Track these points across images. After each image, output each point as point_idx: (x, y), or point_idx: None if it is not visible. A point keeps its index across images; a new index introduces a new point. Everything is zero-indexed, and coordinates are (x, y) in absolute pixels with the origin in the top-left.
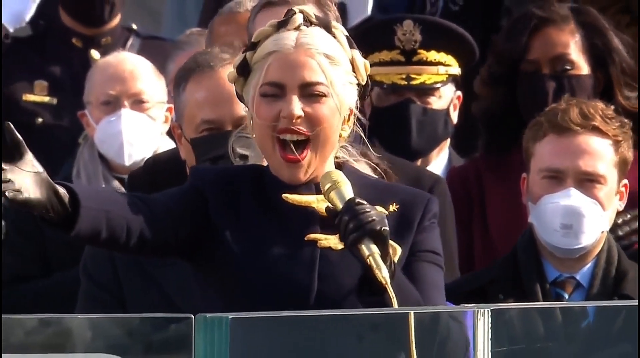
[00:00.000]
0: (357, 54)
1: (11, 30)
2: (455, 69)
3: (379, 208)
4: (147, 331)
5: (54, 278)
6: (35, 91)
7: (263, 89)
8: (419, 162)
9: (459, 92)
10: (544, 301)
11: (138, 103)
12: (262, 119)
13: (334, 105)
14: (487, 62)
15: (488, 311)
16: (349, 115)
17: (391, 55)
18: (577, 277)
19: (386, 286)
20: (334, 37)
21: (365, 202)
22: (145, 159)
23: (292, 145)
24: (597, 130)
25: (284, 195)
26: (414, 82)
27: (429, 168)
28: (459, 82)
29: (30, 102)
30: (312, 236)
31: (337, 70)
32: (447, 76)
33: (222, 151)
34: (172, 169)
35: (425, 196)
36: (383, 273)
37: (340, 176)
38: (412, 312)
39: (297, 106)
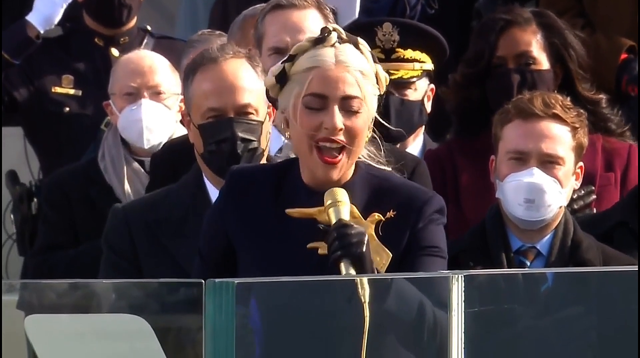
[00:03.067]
0: (379, 68)
1: (42, 31)
2: (429, 65)
3: (376, 215)
4: (163, 294)
5: (81, 248)
6: (63, 84)
7: (307, 99)
8: (397, 146)
9: (432, 85)
10: (508, 268)
11: (156, 94)
12: (304, 128)
13: (366, 117)
14: (459, 67)
15: (462, 276)
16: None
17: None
18: (538, 247)
19: (364, 305)
20: (361, 52)
21: (353, 224)
22: (163, 143)
23: (333, 151)
24: (557, 117)
25: (287, 211)
26: (392, 77)
27: (406, 151)
28: (432, 76)
29: (58, 93)
30: (312, 244)
31: (367, 84)
32: (421, 71)
33: (225, 135)
34: (187, 150)
35: (421, 200)
36: (364, 293)
37: (342, 196)
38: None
39: (339, 119)
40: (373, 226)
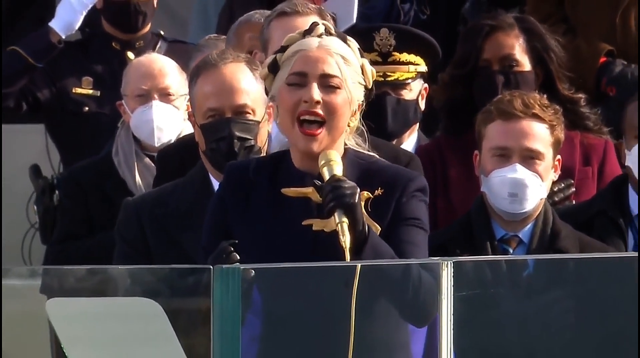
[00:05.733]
0: (366, 62)
1: (63, 36)
2: (423, 67)
3: (365, 193)
4: (174, 279)
5: (97, 238)
6: (83, 85)
7: (289, 78)
8: (394, 142)
9: (426, 85)
10: (493, 255)
11: (165, 96)
12: (286, 103)
13: (346, 97)
14: (448, 68)
15: (451, 263)
16: (356, 110)
17: (370, 57)
18: (520, 235)
19: (344, 250)
20: (348, 46)
21: (345, 179)
22: (172, 140)
23: (313, 125)
24: (536, 116)
25: (282, 190)
26: (389, 79)
27: (402, 146)
28: (425, 77)
29: (78, 94)
30: (307, 221)
31: (349, 69)
32: (416, 73)
33: (223, 134)
34: (195, 147)
35: (405, 178)
36: (345, 239)
37: (334, 156)
38: (359, 265)
39: (316, 93)
40: (362, 203)
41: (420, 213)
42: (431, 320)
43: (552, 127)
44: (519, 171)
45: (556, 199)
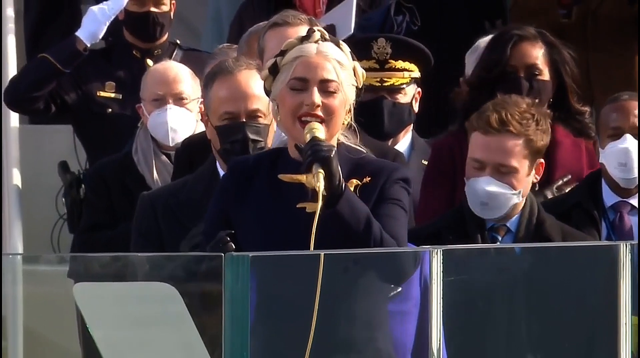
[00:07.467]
0: (357, 64)
1: (89, 45)
2: (416, 74)
3: (355, 181)
4: (189, 266)
5: (120, 228)
6: (106, 89)
7: (291, 83)
8: (390, 142)
9: (419, 89)
10: (483, 243)
11: (179, 100)
12: (288, 105)
13: (342, 99)
14: (474, 70)
15: (441, 250)
16: (350, 109)
17: (369, 64)
18: (508, 225)
19: (317, 192)
20: (341, 50)
21: (324, 140)
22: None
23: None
24: (510, 132)
25: (279, 176)
26: (385, 84)
27: (397, 146)
28: (419, 82)
29: (102, 97)
30: (301, 204)
31: (344, 73)
32: (410, 78)
33: (238, 137)
34: (202, 146)
35: (390, 169)
36: (318, 185)
37: (317, 125)
38: (322, 254)
39: (317, 97)
40: (352, 188)
41: (401, 196)
42: (405, 280)
43: (527, 141)
44: (491, 184)
45: (564, 190)
